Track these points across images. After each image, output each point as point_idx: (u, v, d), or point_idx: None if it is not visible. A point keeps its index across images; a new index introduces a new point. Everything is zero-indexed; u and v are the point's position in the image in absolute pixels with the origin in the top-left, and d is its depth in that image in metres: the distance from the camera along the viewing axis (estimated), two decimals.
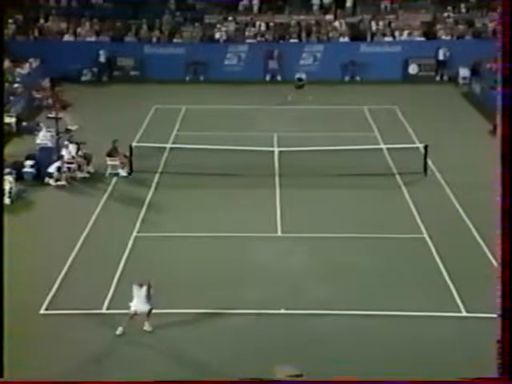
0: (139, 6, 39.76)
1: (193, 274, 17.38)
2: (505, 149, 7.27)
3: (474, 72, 36.46)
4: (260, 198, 22.03)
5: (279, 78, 37.64)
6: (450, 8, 39.41)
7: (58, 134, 24.84)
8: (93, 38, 38.73)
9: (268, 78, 37.86)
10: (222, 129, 28.66)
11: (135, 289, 15.03)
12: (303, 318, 15.42)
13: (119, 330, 14.92)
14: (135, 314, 14.97)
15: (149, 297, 15.00)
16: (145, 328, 15.00)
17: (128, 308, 14.87)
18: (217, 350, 14.34)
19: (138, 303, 14.97)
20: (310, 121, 30.31)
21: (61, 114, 26.39)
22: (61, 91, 28.33)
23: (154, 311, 15.00)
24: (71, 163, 23.74)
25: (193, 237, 19.41)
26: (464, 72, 36.82)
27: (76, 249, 18.63)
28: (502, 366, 7.43)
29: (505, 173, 7.25)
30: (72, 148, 24.34)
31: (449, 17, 39.18)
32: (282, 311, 15.64)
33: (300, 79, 32.99)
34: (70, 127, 27.41)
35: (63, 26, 39.10)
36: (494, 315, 14.98)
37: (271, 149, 25.09)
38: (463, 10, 39.66)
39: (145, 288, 14.95)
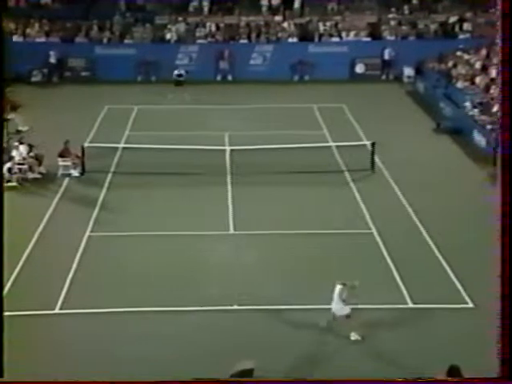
0: (89, 6, 39.66)
1: (146, 273, 17.56)
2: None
3: (418, 71, 37.50)
4: (212, 197, 22.32)
5: (230, 77, 38.00)
6: (393, 9, 40.26)
7: (8, 135, 24.72)
8: (42, 39, 38.52)
9: (219, 77, 38.18)
10: (174, 128, 28.83)
11: (337, 288, 14.58)
12: (255, 314, 15.72)
13: (325, 322, 14.63)
14: (333, 318, 14.55)
15: (342, 298, 14.51)
16: (352, 338, 14.57)
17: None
18: (172, 347, 14.53)
19: (334, 304, 14.50)
20: (261, 120, 30.65)
21: (11, 115, 26.26)
22: (10, 92, 28.13)
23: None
24: (22, 164, 23.69)
25: (146, 236, 19.61)
26: (408, 71, 37.77)
27: (28, 250, 18.65)
28: (501, 367, 7.76)
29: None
30: (23, 149, 24.28)
31: (393, 18, 40.02)
32: (235, 307, 15.94)
33: (180, 75, 33.25)
34: (20, 128, 27.32)
35: (12, 26, 38.74)
36: (439, 306, 15.69)
37: (223, 147, 25.39)
38: (406, 12, 40.56)
39: (339, 288, 14.47)
